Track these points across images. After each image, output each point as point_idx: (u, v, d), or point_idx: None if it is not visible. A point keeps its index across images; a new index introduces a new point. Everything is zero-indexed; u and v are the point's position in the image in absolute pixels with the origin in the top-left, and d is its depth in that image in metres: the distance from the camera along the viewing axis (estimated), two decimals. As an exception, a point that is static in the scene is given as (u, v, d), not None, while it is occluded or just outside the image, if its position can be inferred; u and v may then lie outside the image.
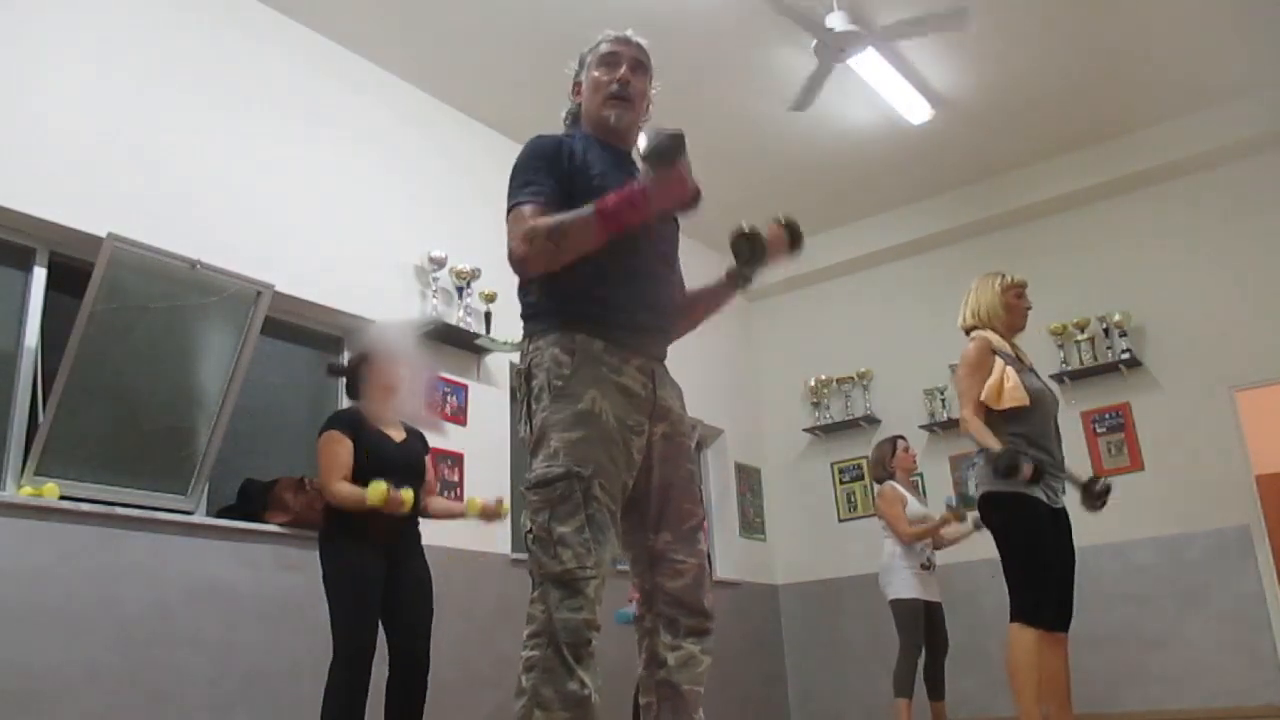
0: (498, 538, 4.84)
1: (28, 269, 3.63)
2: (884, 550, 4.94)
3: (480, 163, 5.38)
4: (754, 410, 7.40)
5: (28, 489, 3.28)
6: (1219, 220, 5.91)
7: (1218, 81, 5.62)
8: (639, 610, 2.02)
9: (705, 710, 1.98)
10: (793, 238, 2.12)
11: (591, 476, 1.84)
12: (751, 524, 6.99)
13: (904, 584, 4.80)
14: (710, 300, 2.23)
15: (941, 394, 6.53)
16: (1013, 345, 3.55)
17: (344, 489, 3.10)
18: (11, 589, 3.07)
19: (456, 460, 4.69)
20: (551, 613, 1.77)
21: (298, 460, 4.26)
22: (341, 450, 3.15)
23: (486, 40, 4.91)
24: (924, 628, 4.77)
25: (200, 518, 3.77)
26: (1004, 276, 3.63)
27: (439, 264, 4.87)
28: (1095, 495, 3.60)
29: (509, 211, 1.98)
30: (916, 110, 5.53)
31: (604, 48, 2.16)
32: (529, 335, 2.01)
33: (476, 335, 4.94)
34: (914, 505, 4.94)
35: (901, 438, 5.24)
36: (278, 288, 3.95)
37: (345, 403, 3.61)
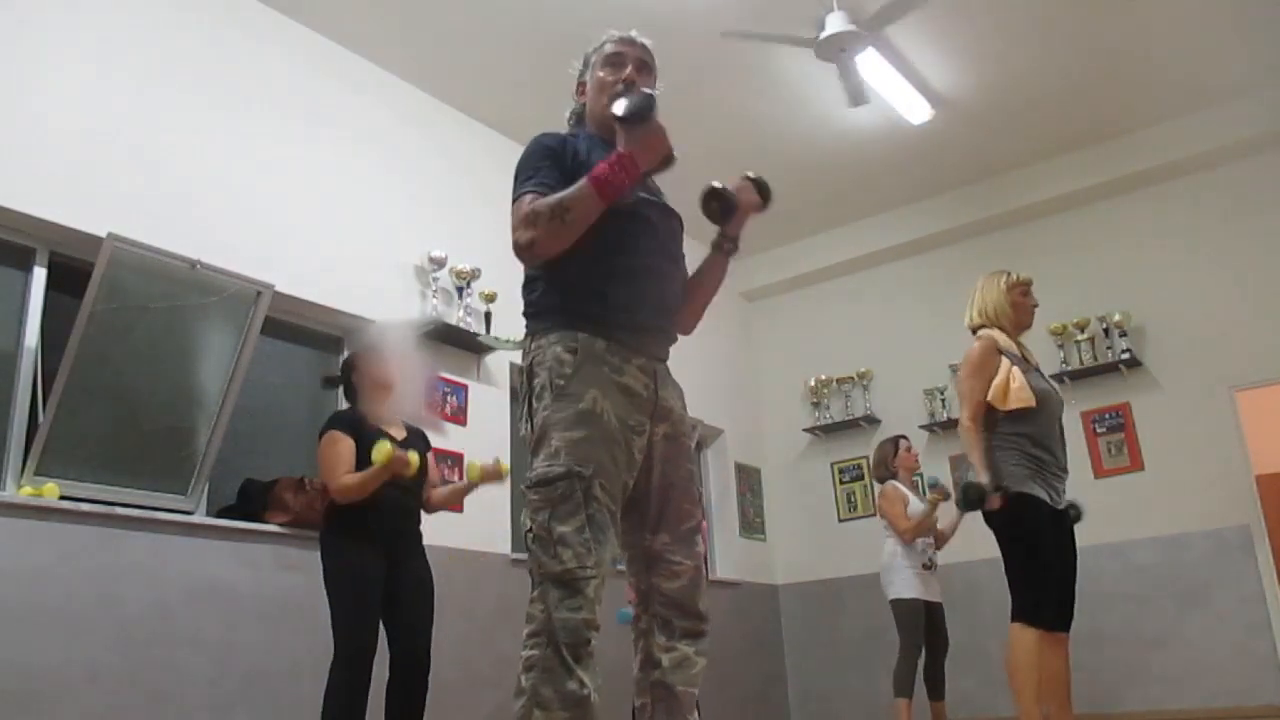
0: (498, 537, 4.85)
1: (28, 269, 3.63)
2: (885, 550, 4.93)
3: (480, 163, 5.38)
4: (754, 410, 7.40)
5: (28, 489, 3.28)
6: (1219, 220, 5.91)
7: (1218, 81, 5.62)
8: (635, 611, 2.03)
9: (706, 710, 1.98)
10: (761, 191, 2.16)
11: (592, 476, 1.84)
12: (751, 524, 6.99)
13: (905, 584, 4.80)
14: (707, 276, 2.24)
15: (941, 394, 6.53)
16: (1019, 345, 3.55)
17: (349, 478, 3.09)
18: (11, 589, 3.07)
19: (456, 460, 4.68)
20: (551, 612, 1.77)
21: (298, 460, 4.26)
22: (343, 449, 3.15)
23: (486, 40, 4.91)
24: (924, 628, 4.77)
25: (200, 518, 3.76)
26: (1009, 275, 3.62)
27: (439, 264, 4.87)
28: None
29: (513, 204, 1.99)
30: (916, 110, 5.53)
31: (609, 48, 2.17)
32: (531, 334, 2.01)
33: (476, 335, 4.94)
34: (915, 505, 4.93)
35: (904, 437, 5.24)
36: (278, 288, 3.95)
37: (345, 404, 3.61)
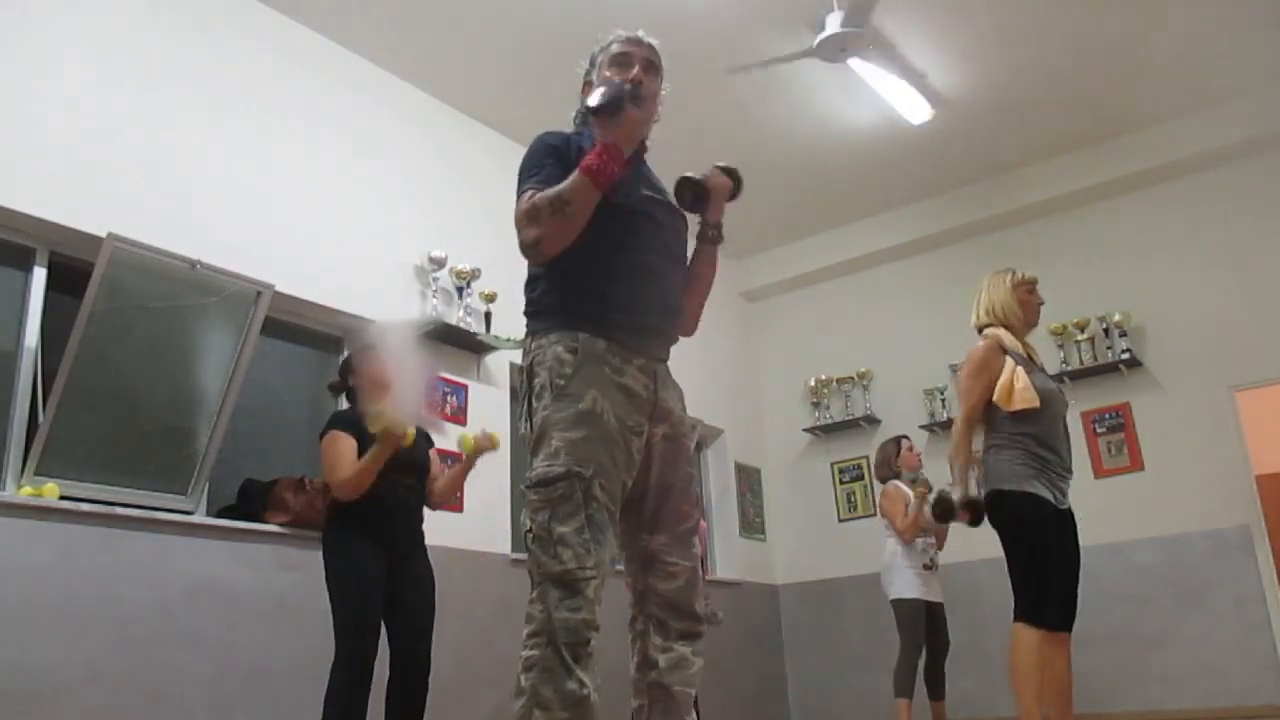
0: (497, 537, 4.84)
1: (28, 269, 3.63)
2: (886, 549, 4.93)
3: (480, 163, 5.38)
4: (754, 410, 7.40)
5: (28, 489, 3.28)
6: (1219, 220, 5.91)
7: (1218, 81, 5.62)
8: (634, 612, 2.03)
9: (706, 710, 1.99)
10: (730, 175, 2.24)
11: (592, 476, 1.84)
12: (751, 524, 6.99)
13: (906, 584, 4.80)
14: (700, 267, 2.26)
15: (941, 394, 6.53)
16: (1025, 344, 3.54)
17: (349, 470, 3.09)
18: (11, 589, 3.07)
19: (456, 460, 4.67)
20: (551, 612, 1.77)
21: (298, 460, 4.26)
22: (345, 447, 3.15)
23: (486, 40, 4.91)
24: (925, 628, 4.76)
25: (200, 518, 3.76)
26: (1015, 273, 3.61)
27: (439, 264, 4.87)
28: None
29: (517, 200, 2.00)
30: (916, 110, 5.52)
31: (616, 48, 2.17)
32: (532, 333, 2.02)
33: (476, 335, 4.94)
34: (916, 505, 4.93)
35: (905, 438, 5.24)
36: (278, 288, 3.95)
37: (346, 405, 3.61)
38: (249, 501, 3.97)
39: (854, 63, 4.97)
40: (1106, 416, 6.02)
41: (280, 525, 3.87)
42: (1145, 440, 5.87)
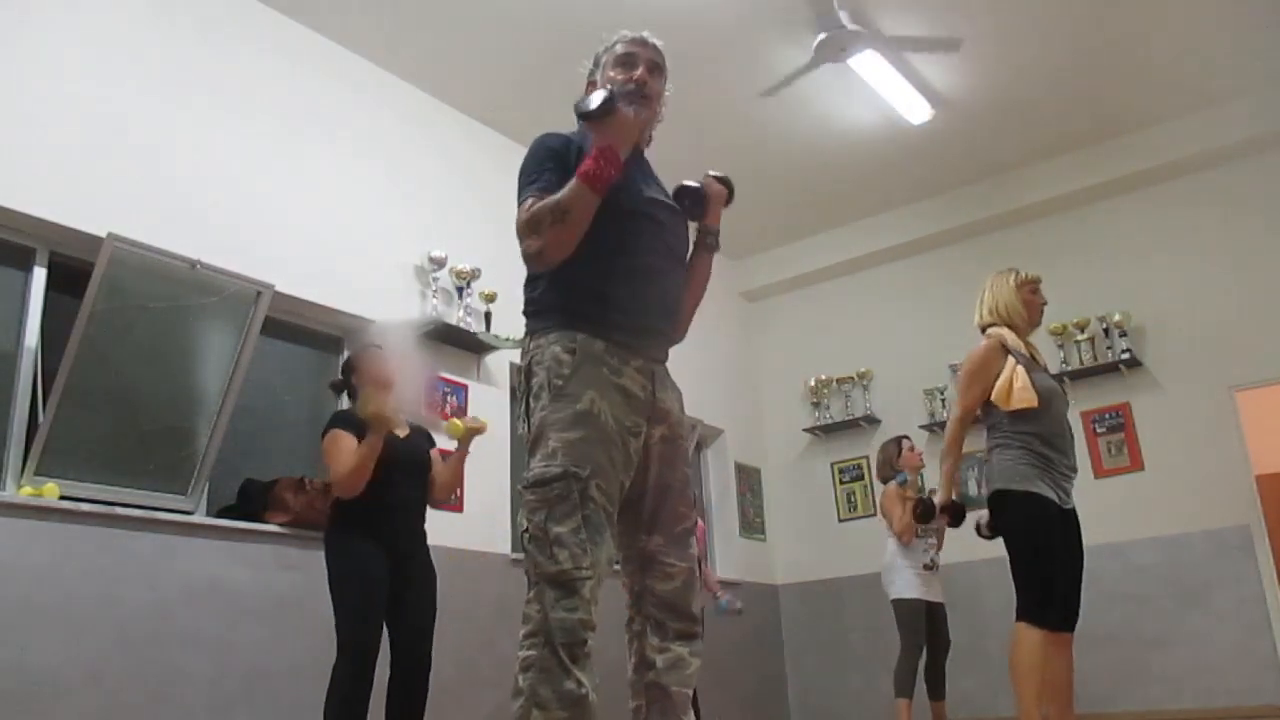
0: (497, 537, 4.85)
1: (28, 269, 3.63)
2: (887, 549, 4.93)
3: (480, 163, 5.38)
4: (754, 410, 7.40)
5: (28, 489, 3.28)
6: (1219, 220, 5.91)
7: (1218, 81, 5.62)
8: (631, 613, 2.03)
9: (706, 710, 1.99)
10: (723, 183, 2.27)
11: (589, 477, 1.84)
12: (751, 524, 6.99)
13: (906, 584, 4.80)
14: (695, 274, 2.26)
15: (941, 394, 6.53)
16: (1028, 344, 3.53)
17: (346, 464, 3.07)
18: (11, 589, 3.07)
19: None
20: (547, 612, 1.77)
21: (298, 460, 4.26)
22: (347, 445, 3.14)
23: (486, 41, 4.91)
24: (925, 628, 4.76)
25: (200, 518, 3.76)
26: (1018, 273, 3.61)
27: (439, 264, 4.87)
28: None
29: (518, 209, 1.99)
30: (916, 110, 5.53)
31: (620, 48, 2.17)
32: (531, 333, 2.02)
33: (476, 335, 4.94)
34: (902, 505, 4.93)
35: (906, 438, 5.24)
36: (278, 288, 3.95)
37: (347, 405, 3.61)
38: (249, 501, 3.97)
39: (854, 63, 4.98)
40: (1106, 416, 6.02)
41: (280, 525, 3.87)
42: (1145, 440, 5.87)
